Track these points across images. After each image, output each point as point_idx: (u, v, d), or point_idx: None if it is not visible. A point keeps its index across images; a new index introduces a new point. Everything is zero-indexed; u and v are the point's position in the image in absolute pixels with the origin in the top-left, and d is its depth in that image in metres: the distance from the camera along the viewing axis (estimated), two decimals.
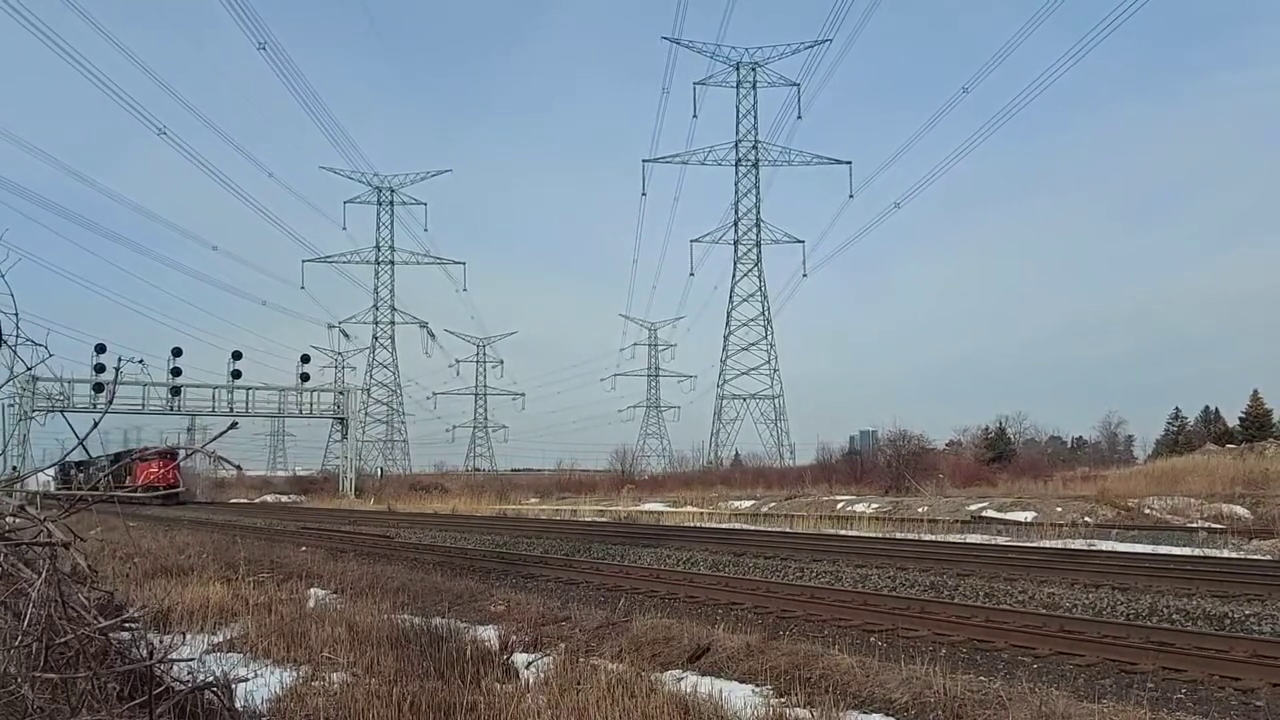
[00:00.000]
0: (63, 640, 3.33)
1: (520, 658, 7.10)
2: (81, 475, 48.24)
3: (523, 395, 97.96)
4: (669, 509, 40.20)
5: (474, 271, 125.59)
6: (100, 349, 48.41)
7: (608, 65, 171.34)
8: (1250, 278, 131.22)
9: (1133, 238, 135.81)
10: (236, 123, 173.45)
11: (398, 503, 50.42)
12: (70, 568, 3.89)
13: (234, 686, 4.87)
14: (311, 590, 10.90)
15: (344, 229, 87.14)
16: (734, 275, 74.61)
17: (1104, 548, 18.13)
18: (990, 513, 28.08)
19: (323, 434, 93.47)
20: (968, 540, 20.99)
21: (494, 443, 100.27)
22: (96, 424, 3.89)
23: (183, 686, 4.30)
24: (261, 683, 5.95)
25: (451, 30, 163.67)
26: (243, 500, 65.10)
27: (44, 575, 3.28)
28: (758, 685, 6.26)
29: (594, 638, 8.11)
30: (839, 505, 34.74)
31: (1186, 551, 17.18)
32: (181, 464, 58.78)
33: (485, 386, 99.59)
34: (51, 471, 59.14)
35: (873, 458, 50.88)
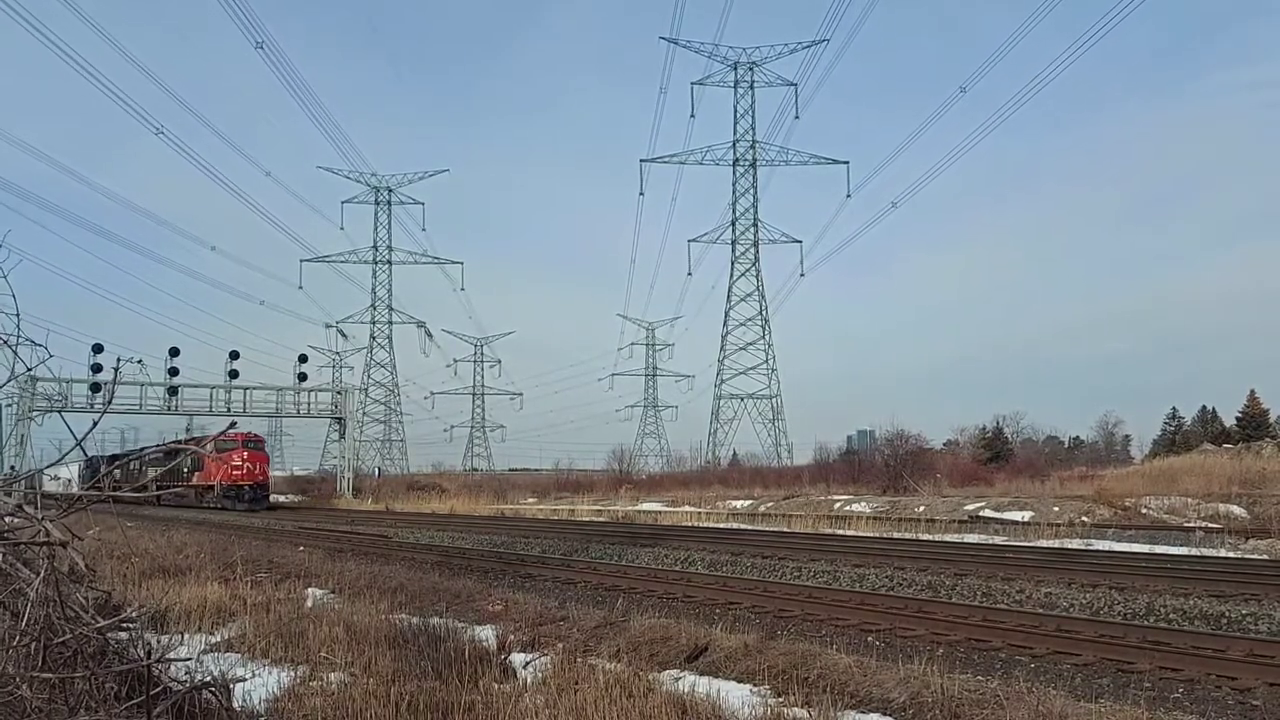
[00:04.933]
0: (60, 640, 3.33)
1: (518, 657, 7.10)
2: (118, 471, 41.55)
3: (520, 395, 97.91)
4: (667, 509, 40.19)
5: (472, 271, 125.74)
6: (98, 349, 48.22)
7: (605, 65, 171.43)
8: (1248, 278, 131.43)
9: (1131, 237, 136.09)
10: (234, 122, 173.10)
11: (395, 502, 50.37)
12: (68, 567, 3.89)
13: (232, 686, 4.88)
14: (309, 590, 10.90)
15: (342, 229, 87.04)
16: (732, 275, 74.65)
17: (1101, 547, 18.16)
18: (987, 512, 28.10)
19: (320, 434, 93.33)
20: (965, 540, 21.02)
21: (492, 442, 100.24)
22: (95, 424, 3.89)
23: (180, 686, 4.31)
24: (259, 683, 5.95)
25: (449, 29, 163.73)
26: None
27: (42, 575, 3.28)
28: (755, 685, 6.26)
29: (592, 637, 8.11)
30: (836, 505, 34.75)
31: (1183, 551, 17.22)
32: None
33: (483, 386, 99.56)
34: (74, 469, 54.40)
35: (870, 457, 50.88)
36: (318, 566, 13.70)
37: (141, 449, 52.10)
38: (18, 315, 4.07)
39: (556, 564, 15.74)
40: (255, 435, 49.08)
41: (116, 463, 46.16)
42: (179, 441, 46.33)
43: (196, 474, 45.88)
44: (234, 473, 43.39)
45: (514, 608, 9.93)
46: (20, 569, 3.46)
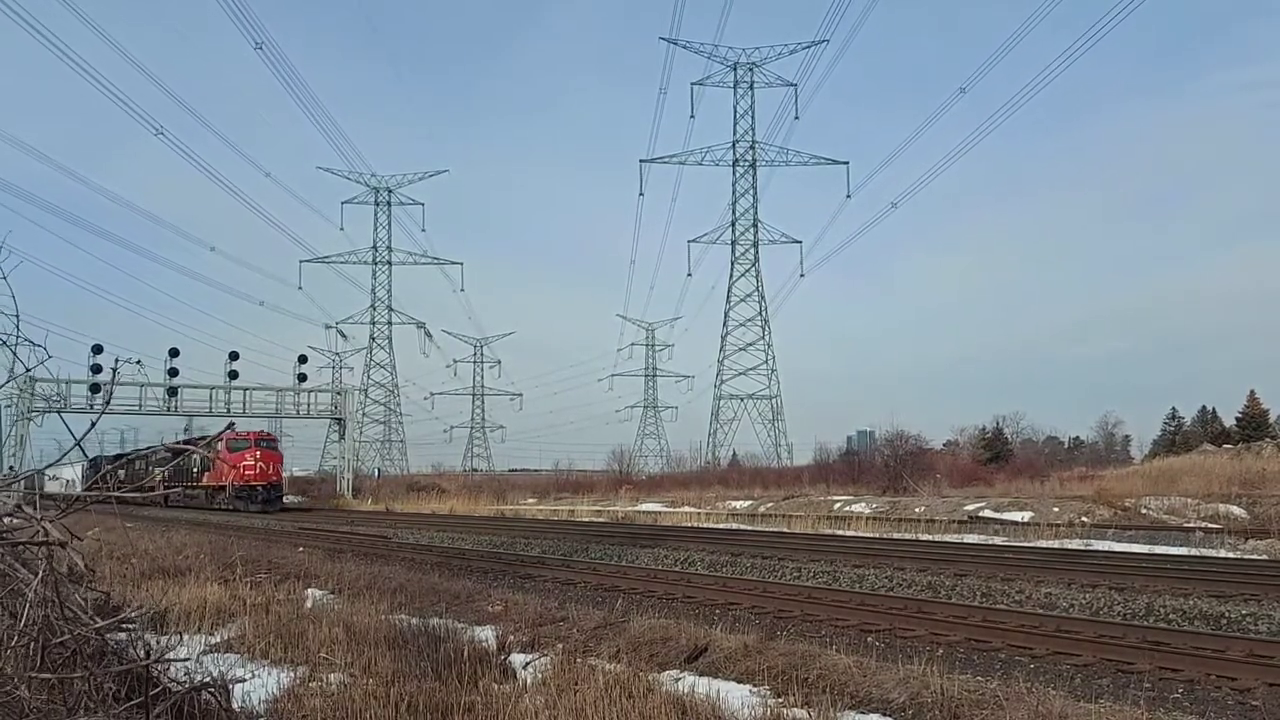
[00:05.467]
0: (59, 640, 3.33)
1: (518, 658, 7.10)
2: (122, 471, 38.42)
3: (520, 395, 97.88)
4: (666, 509, 40.20)
5: (471, 272, 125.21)
6: (97, 349, 48.16)
7: (605, 65, 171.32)
8: (1248, 278, 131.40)
9: (1131, 237, 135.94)
10: (233, 123, 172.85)
11: (395, 503, 50.35)
12: (67, 568, 3.89)
13: (231, 687, 4.87)
14: (309, 591, 10.90)
15: (341, 229, 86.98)
16: (731, 275, 74.67)
17: (1101, 548, 18.16)
18: (987, 513, 28.10)
19: (320, 434, 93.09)
20: (965, 540, 21.01)
21: (491, 443, 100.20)
22: (94, 424, 3.90)
23: (180, 687, 4.30)
24: (259, 683, 5.94)
25: (449, 30, 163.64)
26: None
27: (40, 575, 3.28)
28: (755, 685, 6.26)
29: (591, 638, 8.11)
30: (836, 505, 34.75)
31: (1183, 551, 17.22)
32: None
33: (483, 387, 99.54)
34: (78, 469, 53.43)
35: (870, 458, 50.89)
36: (317, 567, 13.70)
37: (149, 448, 49.61)
38: (17, 316, 4.07)
39: (556, 564, 15.73)
40: (268, 434, 47.10)
41: (121, 463, 45.60)
42: (188, 440, 44.19)
43: (206, 474, 44.51)
44: (246, 472, 41.69)
45: (514, 608, 9.93)
46: (19, 569, 3.45)
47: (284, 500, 45.97)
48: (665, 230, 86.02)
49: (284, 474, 48.34)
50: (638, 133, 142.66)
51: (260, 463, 42.37)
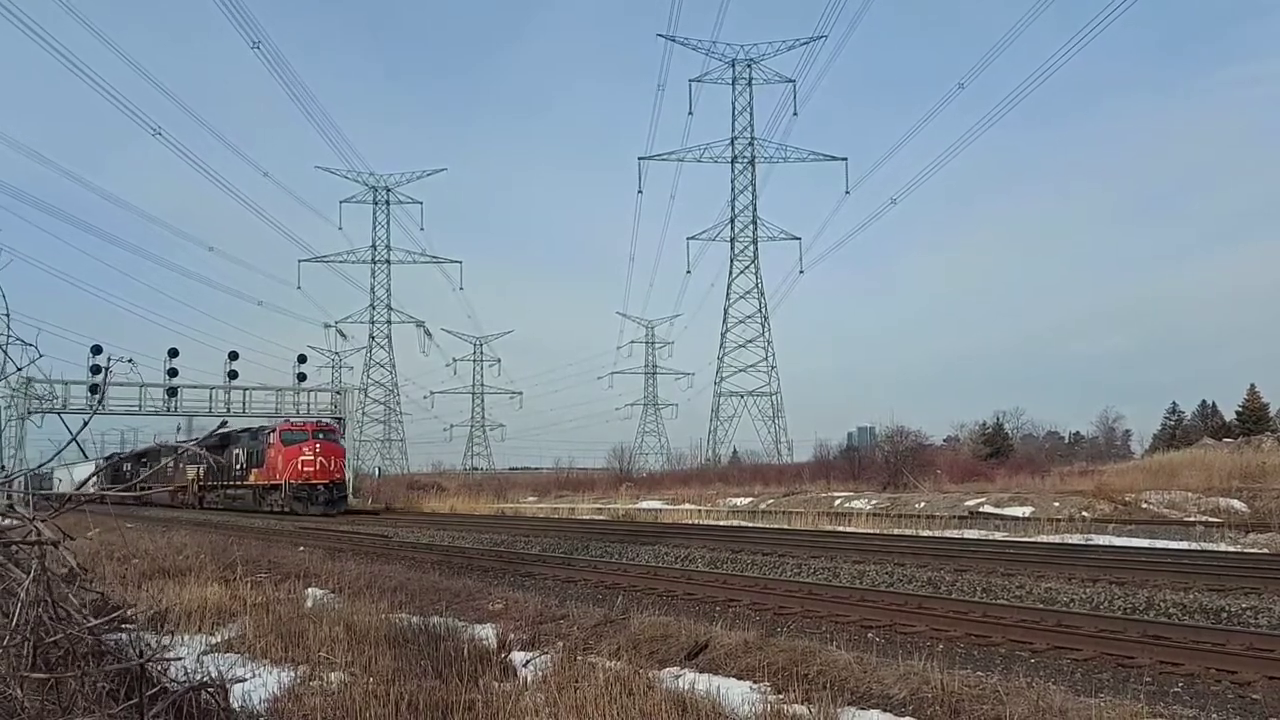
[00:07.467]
0: (51, 640, 3.32)
1: (518, 656, 7.10)
2: (146, 470, 38.02)
3: (520, 394, 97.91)
4: (667, 507, 40.20)
5: (470, 270, 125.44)
6: (96, 350, 48.04)
7: (603, 63, 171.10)
8: (1248, 274, 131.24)
9: (1132, 233, 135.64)
10: (231, 123, 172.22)
11: (396, 502, 50.37)
12: (67, 569, 3.88)
13: (230, 687, 4.86)
14: (309, 590, 10.88)
15: (340, 228, 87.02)
16: (731, 272, 74.74)
17: (1101, 542, 18.16)
18: (988, 508, 28.12)
19: None
20: (965, 536, 21.01)
21: (491, 441, 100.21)
22: (85, 423, 3.89)
23: (178, 687, 4.29)
24: (259, 683, 5.94)
25: (447, 28, 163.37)
26: None
27: (33, 574, 3.28)
28: (755, 682, 6.25)
29: (592, 635, 8.11)
30: (837, 502, 34.77)
31: (1183, 545, 17.22)
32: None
33: (482, 385, 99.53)
34: (88, 469, 52.97)
35: (870, 454, 50.88)
36: (317, 566, 13.69)
37: (184, 442, 45.38)
38: (8, 315, 4.06)
39: (556, 563, 15.72)
40: (328, 424, 41.33)
41: (143, 460, 41.37)
42: (225, 434, 39.59)
43: (254, 471, 39.96)
44: (305, 469, 36.27)
45: (514, 606, 9.92)
46: (12, 569, 3.45)
47: (349, 500, 39.93)
48: (664, 227, 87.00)
49: (347, 471, 42.26)
50: (636, 130, 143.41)
51: (320, 457, 37.08)
